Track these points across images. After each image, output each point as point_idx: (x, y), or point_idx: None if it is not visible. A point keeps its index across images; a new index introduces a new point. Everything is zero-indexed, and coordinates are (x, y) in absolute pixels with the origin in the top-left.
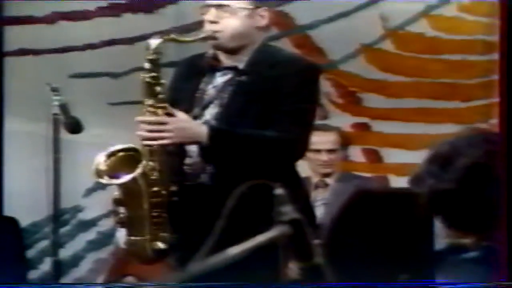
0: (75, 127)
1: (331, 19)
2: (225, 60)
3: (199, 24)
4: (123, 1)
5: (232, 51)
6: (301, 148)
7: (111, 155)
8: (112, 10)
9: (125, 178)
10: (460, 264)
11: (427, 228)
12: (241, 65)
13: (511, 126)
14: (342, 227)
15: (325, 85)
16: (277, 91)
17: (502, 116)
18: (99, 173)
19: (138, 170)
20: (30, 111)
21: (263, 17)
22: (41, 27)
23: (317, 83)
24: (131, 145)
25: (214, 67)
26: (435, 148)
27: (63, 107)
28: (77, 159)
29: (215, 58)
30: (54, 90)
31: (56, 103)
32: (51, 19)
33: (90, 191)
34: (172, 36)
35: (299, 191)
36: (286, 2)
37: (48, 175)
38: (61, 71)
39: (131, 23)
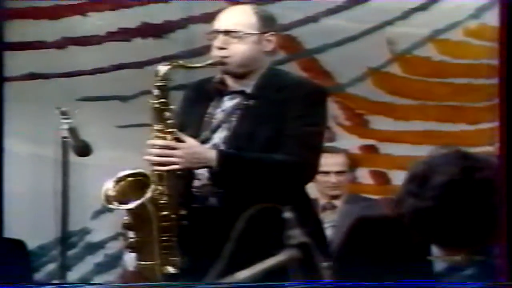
0: (84, 150)
1: (338, 43)
2: (233, 84)
3: (207, 48)
4: (133, 26)
5: (240, 76)
6: (310, 170)
7: (119, 180)
8: (122, 35)
9: (134, 203)
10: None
11: (425, 250)
12: (248, 89)
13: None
14: (345, 252)
15: (333, 108)
16: (285, 115)
17: (502, 140)
18: (108, 199)
19: (147, 196)
20: (39, 134)
21: (270, 41)
22: (51, 52)
23: (324, 105)
24: (139, 170)
25: (222, 91)
26: (412, 169)
27: (72, 131)
28: (86, 182)
29: (223, 82)
30: (63, 113)
31: (65, 126)
32: (61, 44)
33: (98, 214)
34: (181, 62)
35: (309, 214)
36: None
37: (56, 197)
38: (70, 94)
39: (141, 48)
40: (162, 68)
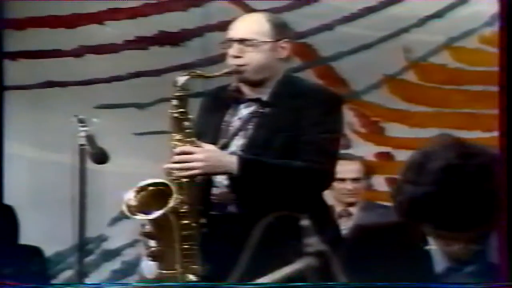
0: (101, 157)
1: (354, 51)
2: (249, 92)
3: (224, 56)
4: (150, 35)
5: (255, 84)
6: (327, 177)
7: (140, 190)
8: (139, 43)
9: (156, 213)
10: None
11: (425, 253)
12: (264, 97)
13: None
14: (348, 260)
15: (348, 115)
16: (301, 122)
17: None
18: (130, 209)
19: (169, 205)
20: (56, 141)
21: (285, 49)
22: (69, 60)
23: (340, 112)
24: (160, 179)
25: (238, 99)
26: (409, 158)
27: (90, 138)
28: (103, 189)
29: (239, 90)
30: (81, 121)
31: (83, 134)
32: (78, 52)
33: (115, 221)
34: (198, 72)
35: (327, 221)
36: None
37: (74, 204)
38: (87, 102)
39: (158, 56)
40: (181, 78)
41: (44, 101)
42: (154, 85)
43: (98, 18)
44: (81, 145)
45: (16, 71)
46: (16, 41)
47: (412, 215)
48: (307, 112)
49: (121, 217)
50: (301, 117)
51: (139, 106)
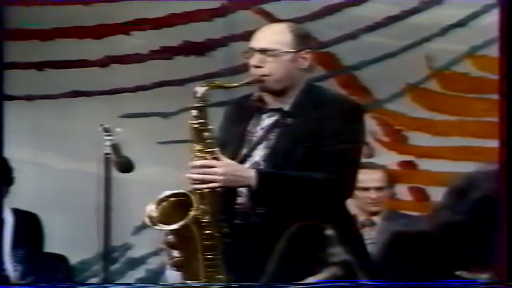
0: (127, 166)
1: (377, 60)
2: (271, 101)
3: (248, 66)
4: (175, 45)
5: (277, 93)
6: (348, 188)
7: (162, 201)
8: (164, 53)
9: (178, 224)
10: None
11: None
12: (286, 107)
13: None
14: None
15: (371, 124)
16: (322, 132)
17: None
18: (152, 220)
19: (190, 216)
20: (82, 150)
21: (306, 59)
22: (95, 70)
23: (361, 122)
24: (181, 190)
25: (261, 108)
26: (452, 183)
27: (115, 147)
28: (127, 197)
29: (261, 100)
30: (106, 130)
31: (108, 143)
32: (104, 62)
33: (139, 229)
34: (217, 82)
35: (351, 231)
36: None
37: (99, 213)
38: (112, 112)
39: (182, 66)
40: (200, 89)
41: (70, 110)
42: (179, 95)
43: (123, 28)
44: (107, 154)
45: (42, 81)
46: (42, 51)
47: (444, 241)
48: (328, 122)
49: (145, 226)
50: (322, 127)
51: (164, 115)
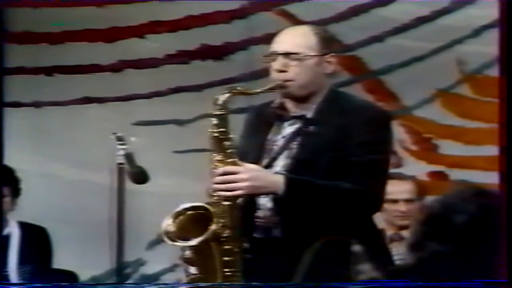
0: (141, 177)
1: (405, 64)
2: (293, 108)
3: (269, 70)
4: (192, 48)
5: (300, 99)
6: (376, 201)
7: (179, 214)
8: (180, 57)
9: (197, 240)
10: None
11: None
12: (309, 114)
13: None
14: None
15: (399, 132)
16: (347, 141)
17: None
18: (169, 235)
19: (210, 231)
20: (93, 159)
21: (331, 63)
22: (107, 75)
23: (389, 131)
24: (199, 203)
25: (282, 116)
26: (426, 210)
27: (128, 157)
28: (141, 210)
29: (283, 107)
30: (119, 139)
31: (121, 152)
32: (117, 67)
33: (153, 244)
34: (240, 88)
35: (379, 247)
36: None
37: (111, 226)
38: (125, 119)
39: (199, 70)
40: (221, 96)
41: (81, 117)
42: (195, 101)
43: (138, 31)
44: (119, 164)
45: (51, 86)
46: (52, 55)
47: (437, 272)
48: (354, 130)
49: (160, 240)
50: (348, 136)
51: (180, 122)
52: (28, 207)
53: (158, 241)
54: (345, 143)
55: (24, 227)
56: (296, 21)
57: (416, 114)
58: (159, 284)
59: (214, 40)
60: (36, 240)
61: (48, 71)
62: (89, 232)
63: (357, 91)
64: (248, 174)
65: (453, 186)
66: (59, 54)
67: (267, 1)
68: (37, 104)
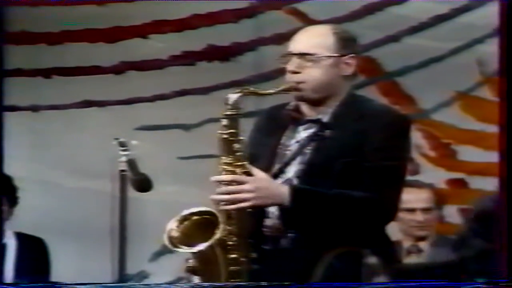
0: (144, 184)
1: (422, 65)
2: (308, 112)
3: (279, 72)
4: (198, 49)
5: (315, 103)
6: (391, 210)
7: (184, 219)
8: (186, 59)
9: (201, 246)
10: None
11: None
12: (325, 118)
13: None
14: None
15: (416, 137)
16: (364, 146)
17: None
18: (172, 241)
19: (215, 237)
20: (95, 167)
21: (350, 65)
22: (108, 77)
23: (407, 137)
24: (205, 208)
25: (297, 120)
26: (476, 206)
27: (131, 163)
28: (145, 220)
29: (297, 110)
30: (121, 144)
31: (123, 158)
32: (118, 68)
33: (157, 256)
34: (252, 89)
35: (391, 259)
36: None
37: (113, 237)
38: (128, 123)
39: (206, 72)
40: (232, 96)
41: (81, 122)
42: (202, 104)
43: (141, 31)
44: (122, 170)
45: (50, 89)
46: (50, 56)
47: (481, 269)
48: (371, 135)
49: (164, 251)
50: (364, 141)
51: (185, 127)
52: (25, 217)
53: (162, 252)
54: (361, 149)
55: (21, 238)
56: (307, 20)
57: (434, 118)
58: (160, 284)
59: (221, 40)
60: (34, 251)
61: (47, 73)
62: (89, 243)
63: (372, 94)
64: (253, 185)
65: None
66: (58, 55)
67: None
68: (34, 108)
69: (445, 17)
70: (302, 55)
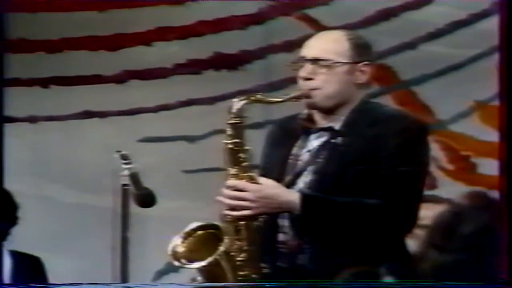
0: (147, 199)
1: (440, 73)
2: (321, 120)
3: (290, 81)
4: (204, 57)
5: (328, 111)
6: (409, 219)
7: (189, 234)
8: (191, 67)
9: (205, 260)
10: None
11: None
12: (337, 125)
13: None
14: None
15: (434, 149)
16: (378, 153)
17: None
18: (176, 256)
19: (220, 250)
20: (95, 181)
21: (364, 72)
22: (110, 86)
23: (424, 142)
24: (210, 221)
25: (308, 129)
26: (436, 218)
27: (134, 177)
28: (148, 237)
29: (310, 119)
30: (123, 157)
31: (126, 172)
32: (121, 77)
33: (161, 274)
34: (258, 96)
35: (412, 275)
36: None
37: (114, 254)
38: (130, 135)
39: (212, 81)
40: (237, 103)
41: (80, 133)
42: (208, 115)
43: (144, 38)
44: (124, 185)
45: (48, 99)
46: (49, 65)
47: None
48: (385, 141)
49: (168, 270)
50: (378, 148)
51: (190, 139)
52: (21, 234)
53: (166, 270)
54: (376, 156)
55: (16, 256)
56: (319, 27)
57: (452, 129)
58: (160, 284)
59: (228, 48)
60: (29, 271)
61: (45, 82)
62: (89, 262)
63: (387, 103)
64: (256, 194)
65: (468, 195)
66: (57, 63)
67: (287, 4)
68: (32, 119)
69: (464, 23)
70: (315, 60)
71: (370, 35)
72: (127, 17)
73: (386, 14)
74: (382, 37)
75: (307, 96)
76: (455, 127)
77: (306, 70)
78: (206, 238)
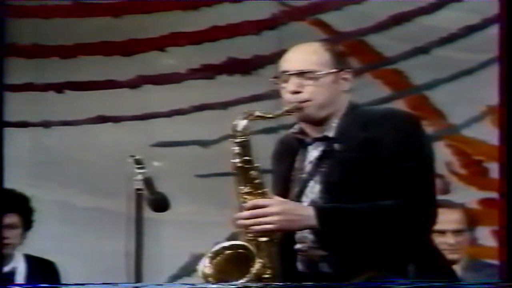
0: (161, 204)
1: (452, 77)
2: (313, 132)
3: (280, 93)
4: (218, 62)
5: (319, 122)
6: (428, 211)
7: (216, 254)
8: (205, 72)
9: (239, 282)
10: None
11: None
12: (331, 133)
13: None
14: None
15: (446, 154)
16: (379, 153)
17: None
18: (206, 277)
19: (252, 273)
20: (109, 186)
21: (347, 80)
22: (124, 91)
23: (421, 133)
24: (237, 241)
25: (304, 141)
26: None
27: (147, 181)
28: (162, 241)
29: (302, 131)
30: (138, 162)
31: (140, 177)
32: (135, 82)
33: (175, 278)
34: (258, 113)
35: (439, 269)
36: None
37: (128, 259)
38: (144, 140)
39: (226, 86)
40: (240, 123)
41: (94, 138)
42: (221, 120)
43: (158, 43)
44: (138, 189)
45: (62, 104)
46: (63, 70)
47: None
48: (382, 140)
49: (181, 275)
50: (378, 148)
51: (204, 143)
52: (35, 238)
53: (180, 275)
54: (377, 156)
55: (31, 261)
56: (332, 32)
57: (464, 133)
58: (161, 284)
59: (241, 53)
60: (44, 275)
61: (59, 87)
62: (103, 267)
63: (400, 108)
64: (279, 207)
65: None
66: (71, 69)
67: (301, 9)
68: (46, 124)
69: (476, 28)
70: (301, 73)
71: (383, 40)
72: (141, 22)
73: (399, 19)
74: (394, 42)
75: (299, 109)
76: (468, 132)
77: (292, 83)
78: (234, 258)
